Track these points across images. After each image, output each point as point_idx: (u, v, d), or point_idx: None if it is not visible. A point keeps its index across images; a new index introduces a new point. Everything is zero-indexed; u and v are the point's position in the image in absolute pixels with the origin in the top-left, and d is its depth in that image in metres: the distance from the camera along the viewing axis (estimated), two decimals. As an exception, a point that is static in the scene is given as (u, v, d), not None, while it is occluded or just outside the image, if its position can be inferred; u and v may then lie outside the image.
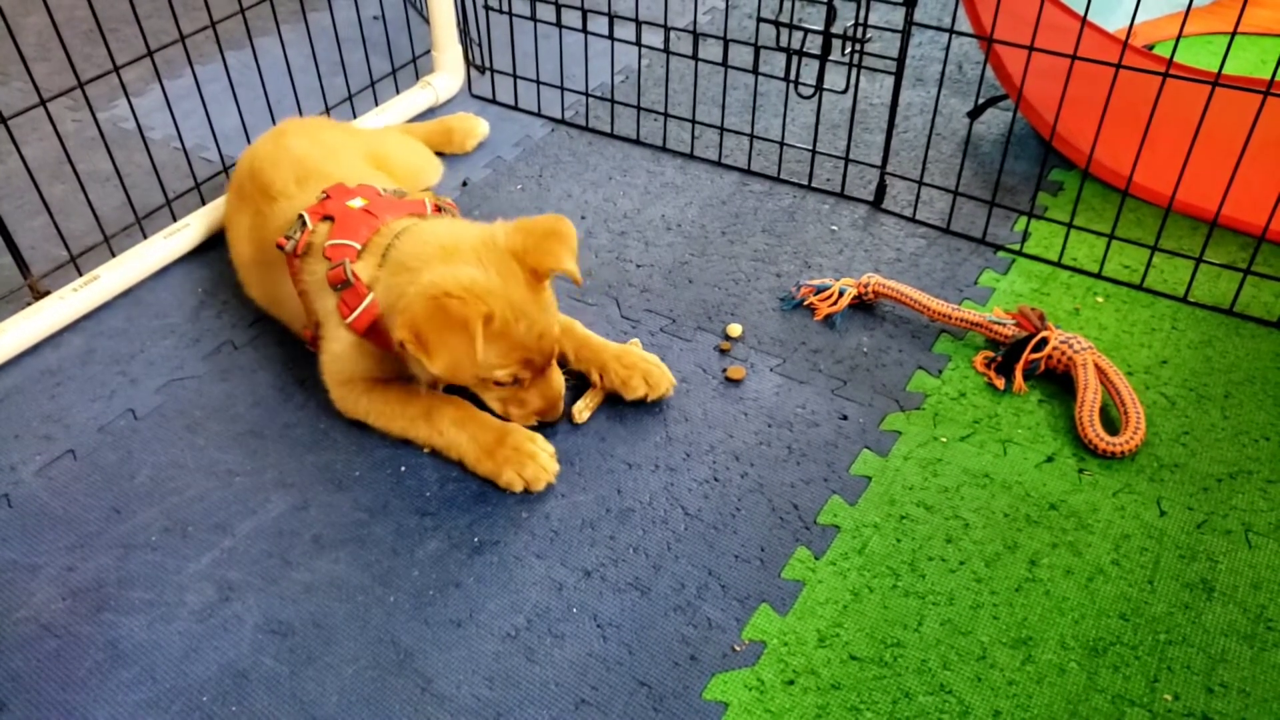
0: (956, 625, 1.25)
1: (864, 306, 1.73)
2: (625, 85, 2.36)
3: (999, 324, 1.60)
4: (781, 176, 2.06)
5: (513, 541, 1.36)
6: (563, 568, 1.32)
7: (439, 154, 2.10)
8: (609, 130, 2.21)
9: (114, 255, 1.79)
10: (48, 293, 1.70)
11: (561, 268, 1.38)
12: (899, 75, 1.81)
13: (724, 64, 1.97)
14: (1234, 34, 1.55)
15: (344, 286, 1.43)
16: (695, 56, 2.00)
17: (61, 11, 2.49)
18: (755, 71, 1.94)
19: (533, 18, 2.15)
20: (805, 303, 1.73)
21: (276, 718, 1.17)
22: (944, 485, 1.42)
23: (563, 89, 2.24)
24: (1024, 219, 1.92)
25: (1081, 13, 1.68)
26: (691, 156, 2.13)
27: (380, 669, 1.21)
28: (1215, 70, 1.59)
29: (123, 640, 1.25)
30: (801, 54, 1.88)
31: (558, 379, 1.47)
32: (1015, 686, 1.19)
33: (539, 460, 1.41)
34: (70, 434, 1.52)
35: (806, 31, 1.85)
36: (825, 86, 1.89)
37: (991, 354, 1.60)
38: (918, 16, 2.51)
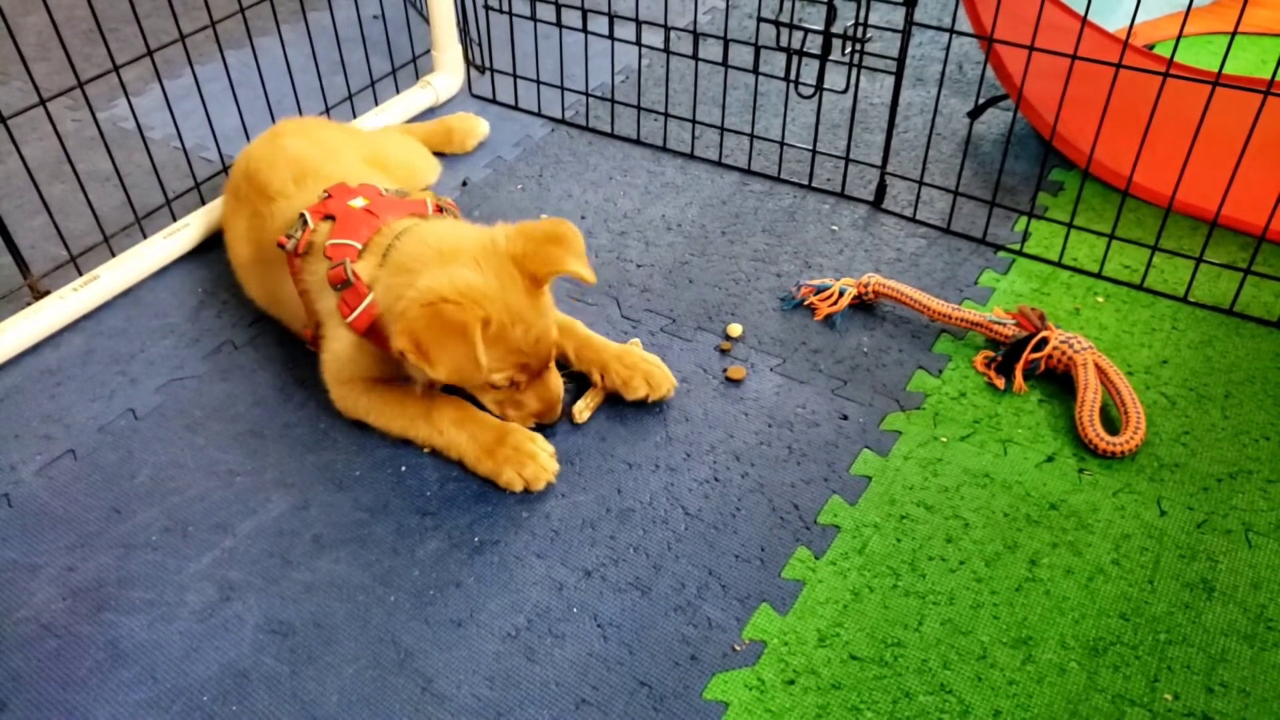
0: (957, 625, 1.25)
1: (864, 306, 1.73)
2: (625, 85, 2.36)
3: (999, 324, 1.60)
4: (782, 176, 2.06)
5: (513, 541, 1.36)
6: (563, 567, 1.32)
7: (439, 154, 2.10)
8: (609, 130, 2.21)
9: (114, 255, 1.79)
10: (48, 292, 1.70)
11: (565, 270, 1.38)
12: (899, 75, 1.81)
13: (724, 64, 1.97)
14: (1234, 34, 1.55)
15: (344, 286, 1.42)
16: (695, 56, 2.00)
17: (61, 11, 2.49)
18: (755, 71, 1.94)
19: (533, 17, 2.15)
20: (805, 303, 1.73)
21: (277, 717, 1.17)
22: (944, 485, 1.42)
23: (563, 89, 2.24)
24: (1024, 219, 1.92)
25: (1081, 13, 1.68)
26: (692, 156, 2.13)
27: (381, 669, 1.21)
28: (1215, 70, 1.59)
29: (123, 640, 1.25)
30: (802, 54, 1.88)
31: (555, 382, 1.47)
32: (1015, 686, 1.19)
33: (539, 460, 1.41)
34: (70, 434, 1.52)
35: (807, 31, 1.85)
36: (825, 86, 1.89)
37: (992, 354, 1.60)
38: (918, 16, 2.51)
